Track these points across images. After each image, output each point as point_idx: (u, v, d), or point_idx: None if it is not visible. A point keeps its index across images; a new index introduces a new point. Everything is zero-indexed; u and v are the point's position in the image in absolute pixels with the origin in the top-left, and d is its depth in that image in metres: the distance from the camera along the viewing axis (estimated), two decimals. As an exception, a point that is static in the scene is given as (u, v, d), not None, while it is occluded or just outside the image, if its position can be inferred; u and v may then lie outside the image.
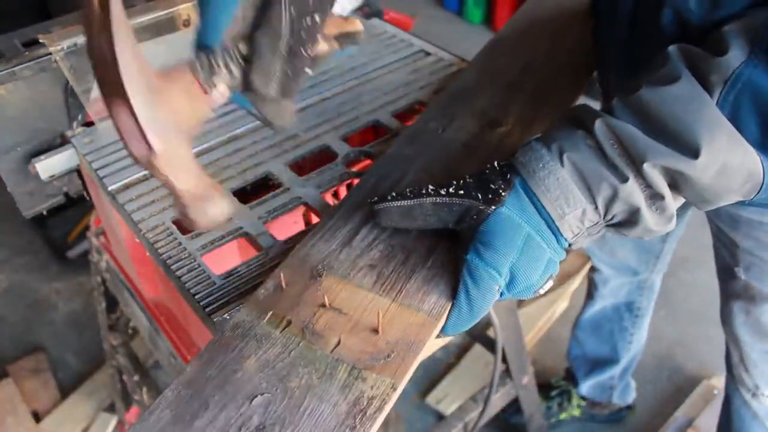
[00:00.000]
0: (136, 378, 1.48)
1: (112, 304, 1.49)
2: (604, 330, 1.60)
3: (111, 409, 1.86)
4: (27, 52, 0.96)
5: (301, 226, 0.94)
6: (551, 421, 1.76)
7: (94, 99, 1.02)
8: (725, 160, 0.58)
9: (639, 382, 1.81)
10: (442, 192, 0.65)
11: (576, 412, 1.76)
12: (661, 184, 0.60)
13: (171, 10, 1.03)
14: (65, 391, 1.95)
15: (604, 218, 0.63)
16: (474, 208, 0.63)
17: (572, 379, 1.75)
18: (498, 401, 1.43)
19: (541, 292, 0.65)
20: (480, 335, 1.61)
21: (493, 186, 0.64)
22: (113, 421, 1.84)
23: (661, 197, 0.61)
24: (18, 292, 2.27)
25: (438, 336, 0.64)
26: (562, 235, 0.63)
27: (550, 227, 0.63)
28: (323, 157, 0.97)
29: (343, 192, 1.01)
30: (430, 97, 1.06)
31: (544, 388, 1.76)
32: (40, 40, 0.97)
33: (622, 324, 1.57)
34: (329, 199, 0.94)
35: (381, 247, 0.70)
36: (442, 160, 0.81)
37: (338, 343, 0.61)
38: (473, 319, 0.63)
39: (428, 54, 1.18)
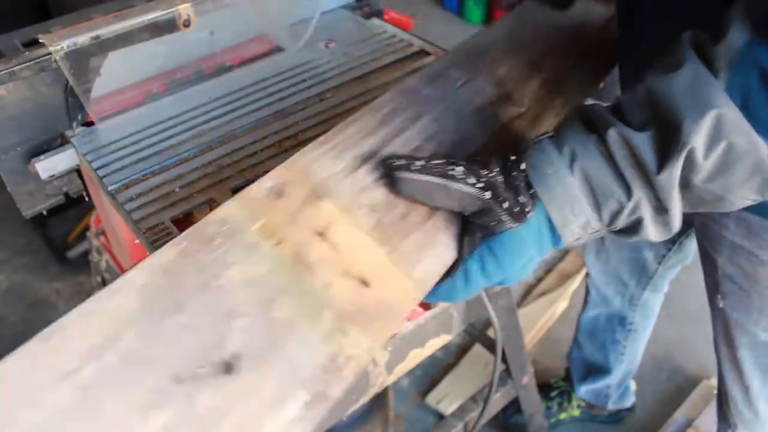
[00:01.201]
0: (136, 378, 1.48)
1: (112, 304, 1.49)
2: (598, 339, 1.60)
3: (111, 409, 1.86)
4: (27, 52, 0.96)
5: (300, 226, 0.94)
6: (551, 421, 1.76)
7: (94, 99, 1.02)
8: (730, 144, 0.56)
9: (639, 383, 1.81)
10: (471, 181, 0.61)
11: (576, 413, 1.76)
12: (671, 195, 0.58)
13: (171, 10, 1.03)
14: (65, 391, 1.95)
15: (606, 227, 0.63)
16: (495, 215, 0.61)
17: (571, 381, 1.75)
18: (498, 401, 1.43)
19: None
20: (480, 335, 1.61)
21: (520, 199, 0.61)
22: (113, 421, 1.84)
23: (666, 211, 0.60)
24: (18, 292, 2.27)
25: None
26: (561, 240, 0.63)
27: (552, 235, 0.63)
28: (323, 156, 0.97)
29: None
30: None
31: (544, 388, 1.76)
32: (40, 40, 0.97)
33: (614, 336, 1.56)
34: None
35: (384, 190, 0.65)
36: (455, 118, 0.78)
37: (329, 283, 0.56)
38: (449, 302, 0.67)
39: (428, 54, 1.17)
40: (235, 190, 0.91)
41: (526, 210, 0.61)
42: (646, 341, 1.59)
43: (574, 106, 0.66)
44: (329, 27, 1.25)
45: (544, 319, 2.01)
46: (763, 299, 0.96)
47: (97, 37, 0.98)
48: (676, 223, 0.61)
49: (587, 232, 0.63)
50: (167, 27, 1.04)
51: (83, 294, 2.22)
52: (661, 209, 0.60)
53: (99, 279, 1.44)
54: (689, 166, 0.58)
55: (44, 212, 1.08)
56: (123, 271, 1.30)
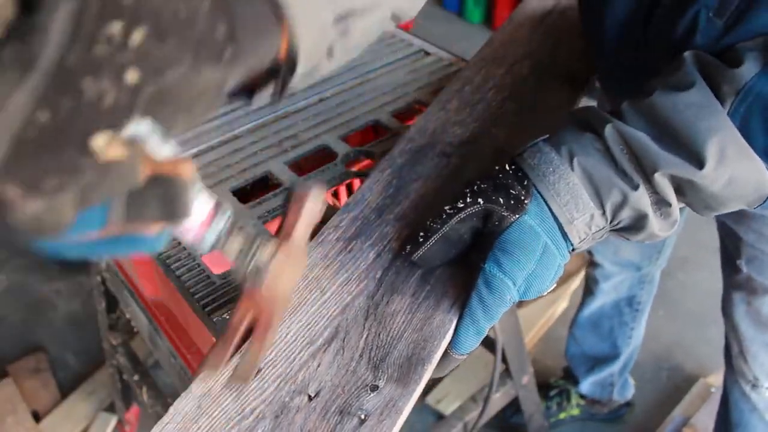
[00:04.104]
0: (136, 378, 1.48)
1: (112, 304, 1.49)
2: (603, 327, 1.60)
3: (111, 409, 1.86)
4: (27, 53, 0.96)
5: (300, 226, 0.94)
6: (551, 420, 1.76)
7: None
8: (734, 169, 0.59)
9: (638, 381, 1.81)
10: (460, 205, 0.63)
11: (575, 412, 1.76)
12: (669, 192, 0.60)
13: (171, 10, 1.03)
14: (65, 391, 1.95)
15: (610, 224, 0.63)
16: (496, 214, 0.62)
17: (571, 378, 1.75)
18: (498, 401, 1.43)
19: (545, 294, 0.65)
20: (479, 335, 1.61)
21: (513, 192, 0.62)
22: (113, 421, 1.84)
23: (668, 204, 0.61)
24: (18, 292, 2.27)
25: (451, 353, 0.63)
26: (569, 239, 0.63)
27: (561, 232, 0.63)
28: (323, 156, 0.97)
29: (343, 192, 1.01)
30: (430, 96, 1.06)
31: (544, 387, 1.76)
32: (40, 41, 0.96)
33: (622, 319, 1.57)
34: (329, 199, 0.94)
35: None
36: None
37: None
38: (488, 325, 0.62)
39: (428, 54, 1.18)
40: (235, 191, 0.91)
41: (522, 198, 0.62)
42: (646, 317, 1.61)
43: (568, 112, 0.67)
44: (329, 27, 1.25)
45: (544, 319, 2.01)
46: None
47: (97, 37, 0.98)
48: (678, 214, 0.63)
49: (592, 230, 0.63)
50: (167, 27, 1.04)
51: (83, 294, 2.22)
52: (662, 201, 0.61)
53: (99, 279, 1.44)
54: (689, 186, 0.60)
55: (44, 212, 1.08)
56: (123, 271, 1.30)
